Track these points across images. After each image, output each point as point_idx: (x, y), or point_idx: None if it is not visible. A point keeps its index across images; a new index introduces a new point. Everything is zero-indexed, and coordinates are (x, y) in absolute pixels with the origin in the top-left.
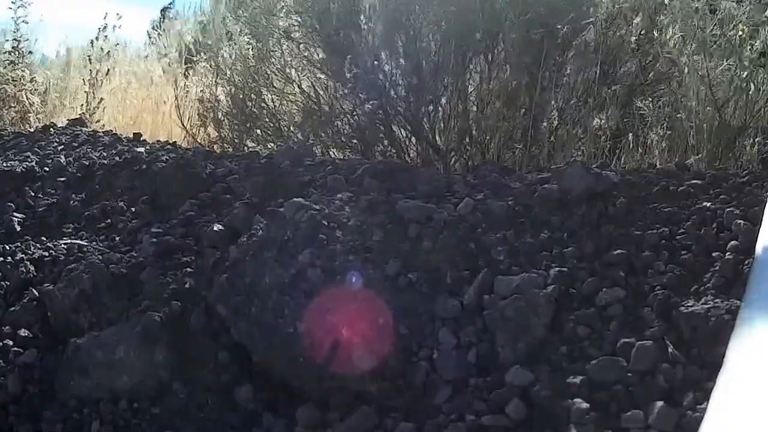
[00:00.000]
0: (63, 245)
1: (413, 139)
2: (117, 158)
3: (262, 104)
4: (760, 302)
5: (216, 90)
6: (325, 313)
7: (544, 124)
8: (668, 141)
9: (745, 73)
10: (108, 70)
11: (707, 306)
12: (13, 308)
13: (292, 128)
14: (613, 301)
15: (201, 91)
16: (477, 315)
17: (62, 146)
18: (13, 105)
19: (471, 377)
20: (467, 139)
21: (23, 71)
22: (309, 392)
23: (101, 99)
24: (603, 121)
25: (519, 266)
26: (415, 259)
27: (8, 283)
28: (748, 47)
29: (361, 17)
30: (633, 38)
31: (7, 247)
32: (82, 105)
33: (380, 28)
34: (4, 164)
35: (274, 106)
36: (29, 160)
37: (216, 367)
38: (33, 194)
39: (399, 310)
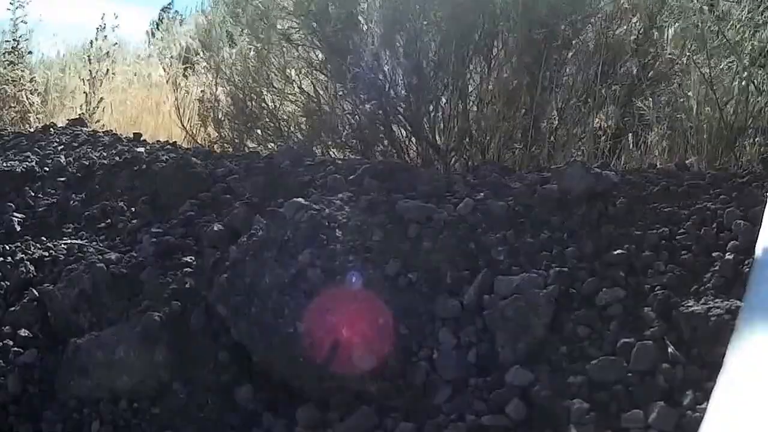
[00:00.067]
0: (63, 245)
1: (413, 139)
2: (117, 158)
3: (262, 104)
4: (760, 302)
5: (216, 90)
6: (325, 313)
7: (544, 124)
8: (668, 141)
9: (745, 73)
10: (107, 70)
11: (707, 306)
12: (13, 308)
13: (292, 128)
14: (613, 301)
15: (201, 91)
16: (477, 315)
17: (62, 146)
18: (13, 105)
19: (471, 377)
20: (467, 139)
21: (23, 71)
22: (309, 392)
23: (101, 99)
24: (603, 120)
25: (519, 266)
26: (415, 259)
27: (8, 283)
28: (749, 47)
29: (360, 18)
30: (632, 38)
31: (7, 247)
32: (81, 105)
33: (380, 29)
34: (4, 164)
35: (274, 106)
36: (29, 160)
37: (216, 367)
38: (33, 194)
39: (399, 310)
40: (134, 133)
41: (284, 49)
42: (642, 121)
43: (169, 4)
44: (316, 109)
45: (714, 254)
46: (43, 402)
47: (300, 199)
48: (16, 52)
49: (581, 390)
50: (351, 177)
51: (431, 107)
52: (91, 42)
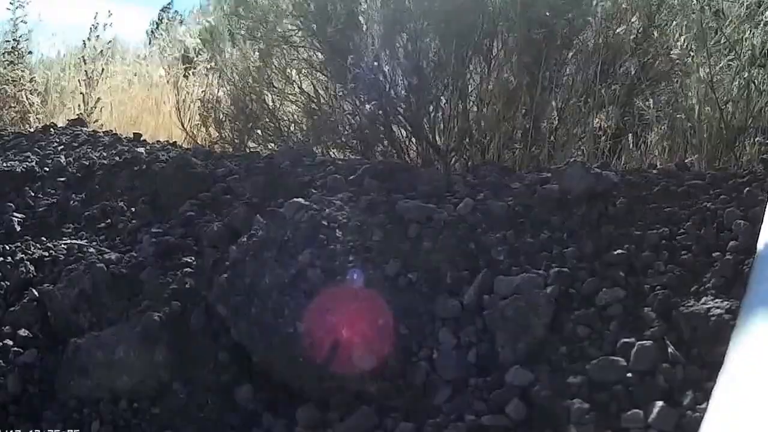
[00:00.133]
0: (63, 245)
1: (413, 139)
2: (117, 158)
3: (263, 104)
4: (760, 302)
5: (218, 91)
6: (325, 313)
7: (544, 124)
8: (668, 141)
9: (745, 72)
10: (102, 69)
11: (707, 306)
12: (13, 308)
13: (292, 128)
14: (613, 301)
15: (203, 91)
16: (477, 315)
17: (62, 146)
18: (13, 105)
19: (471, 377)
20: (467, 139)
21: (23, 71)
22: (309, 392)
23: (98, 99)
24: (603, 121)
25: (519, 266)
26: (415, 259)
27: (8, 283)
28: (749, 47)
29: (361, 18)
30: (632, 37)
31: (7, 247)
32: (79, 105)
33: (380, 29)
34: (4, 164)
35: (275, 106)
36: (29, 160)
37: (216, 367)
38: (33, 194)
39: (399, 310)
40: (134, 133)
41: (285, 50)
42: (642, 121)
43: (169, 3)
44: (317, 110)
45: (714, 254)
46: (43, 402)
47: (300, 199)
48: (16, 52)
49: (581, 390)
50: (351, 177)
51: (431, 107)
52: (84, 42)
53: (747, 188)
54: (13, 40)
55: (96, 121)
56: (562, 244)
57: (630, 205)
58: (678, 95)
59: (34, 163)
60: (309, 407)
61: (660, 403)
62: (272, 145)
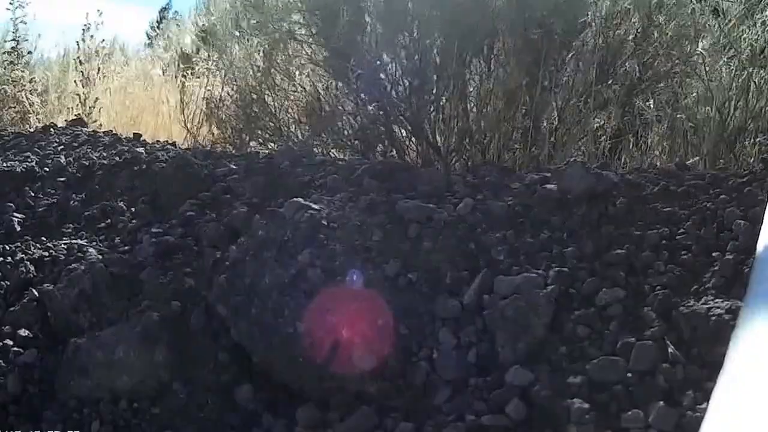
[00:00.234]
0: (63, 245)
1: (413, 139)
2: (117, 158)
3: (264, 104)
4: (760, 302)
5: (220, 90)
6: (325, 313)
7: (544, 124)
8: (668, 141)
9: (745, 72)
10: (99, 68)
11: (707, 306)
12: (13, 308)
13: (292, 128)
14: (613, 301)
15: (207, 90)
16: (477, 315)
17: (62, 146)
18: (12, 105)
19: (471, 377)
20: (467, 139)
21: (23, 71)
22: (309, 392)
23: (96, 99)
24: (603, 120)
25: (519, 266)
26: (415, 259)
27: (8, 283)
28: (748, 46)
29: (366, 17)
30: (631, 37)
31: (7, 247)
32: (77, 105)
33: (383, 30)
34: (4, 164)
35: (276, 105)
36: (29, 160)
37: (216, 367)
38: (33, 194)
39: (399, 310)
40: (134, 134)
41: (290, 45)
42: (642, 121)
43: (168, 3)
44: (318, 109)
45: (714, 254)
46: (43, 402)
47: (300, 199)
48: (16, 52)
49: (581, 390)
50: (351, 177)
51: (432, 108)
52: (78, 43)
53: (747, 188)
54: (13, 40)
55: (95, 121)
56: (562, 244)
57: (630, 205)
58: (678, 95)
59: (34, 163)
60: (309, 407)
61: (660, 403)
62: (272, 145)
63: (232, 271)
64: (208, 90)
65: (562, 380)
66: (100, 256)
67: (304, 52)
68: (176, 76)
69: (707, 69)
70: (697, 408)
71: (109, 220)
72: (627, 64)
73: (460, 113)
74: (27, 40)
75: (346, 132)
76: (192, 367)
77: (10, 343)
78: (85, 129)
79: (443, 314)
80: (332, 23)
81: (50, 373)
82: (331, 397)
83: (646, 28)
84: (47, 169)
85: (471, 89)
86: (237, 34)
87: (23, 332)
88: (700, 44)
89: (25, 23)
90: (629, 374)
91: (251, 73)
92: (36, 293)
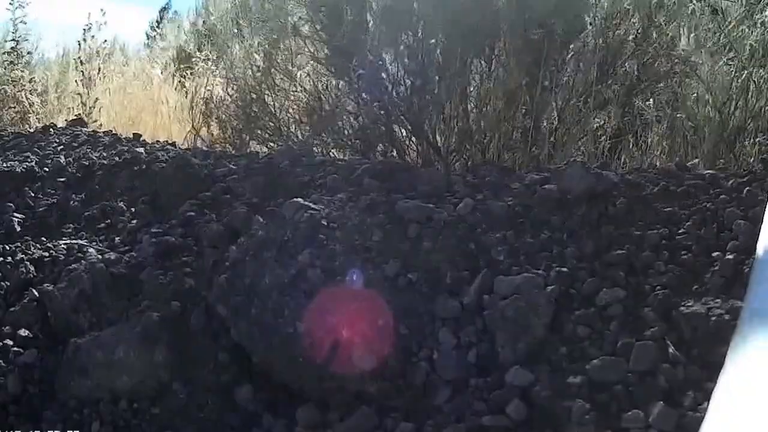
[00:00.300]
0: (63, 245)
1: (413, 139)
2: (117, 158)
3: (265, 104)
4: (760, 302)
5: (220, 90)
6: (324, 314)
7: (544, 124)
8: (668, 141)
9: (745, 72)
10: (99, 68)
11: (707, 306)
12: (13, 308)
13: (293, 128)
14: (613, 301)
15: (208, 90)
16: (477, 315)
17: (62, 146)
18: (12, 105)
19: (471, 377)
20: (467, 139)
21: (22, 71)
22: (309, 392)
23: (96, 99)
24: (603, 120)
25: (519, 266)
26: (415, 259)
27: (8, 283)
28: (748, 46)
29: (369, 16)
30: (631, 37)
31: (7, 247)
32: (78, 105)
33: (385, 30)
34: (4, 164)
35: (276, 105)
36: (29, 160)
37: (216, 368)
38: (33, 194)
39: (399, 310)
40: (134, 134)
41: (291, 43)
42: (642, 121)
43: (168, 3)
44: (318, 109)
45: (714, 254)
46: (43, 402)
47: (299, 199)
48: (16, 52)
49: (581, 390)
50: (351, 177)
51: (434, 108)
52: (79, 43)
53: (747, 188)
54: (13, 40)
55: (95, 121)
56: (562, 244)
57: (630, 205)
58: (678, 95)
59: (34, 164)
60: (309, 407)
61: (660, 404)
62: (272, 144)
63: (232, 271)
64: (208, 90)
65: (562, 380)
66: (100, 256)
67: (306, 49)
68: (174, 75)
69: (707, 69)
70: (697, 408)
71: (109, 220)
72: (627, 64)
73: (460, 113)
74: (27, 40)
75: (346, 132)
76: (192, 368)
77: (10, 343)
78: (85, 129)
79: (443, 314)
80: (336, 21)
81: (50, 373)
82: (331, 397)
83: (646, 29)
84: (47, 169)
85: (471, 89)
86: (236, 31)
87: (23, 332)
88: (694, 42)
89: (25, 23)
90: (629, 374)
91: (251, 72)
92: (36, 293)
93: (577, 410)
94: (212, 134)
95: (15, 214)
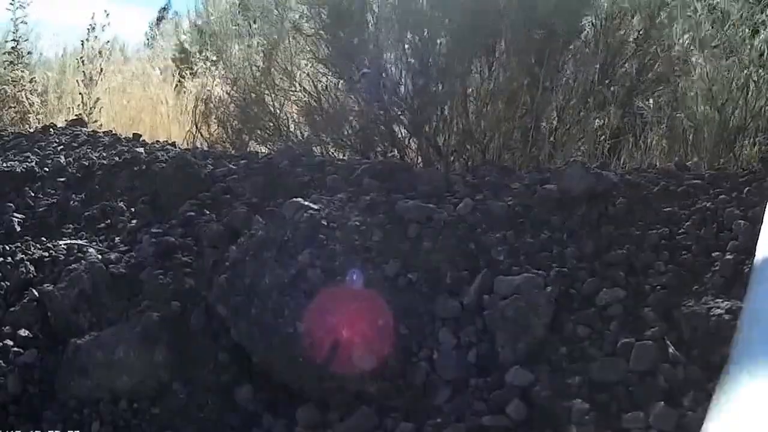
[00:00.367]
0: (63, 245)
1: (413, 139)
2: (117, 158)
3: (264, 104)
4: (760, 302)
5: (221, 90)
6: (324, 314)
7: (544, 124)
8: (668, 141)
9: (745, 72)
10: (101, 69)
11: (707, 306)
12: (13, 308)
13: (292, 128)
14: (613, 301)
15: (208, 90)
16: (477, 315)
17: (62, 146)
18: (12, 105)
19: (471, 377)
20: (467, 139)
21: (23, 71)
22: (309, 392)
23: (97, 99)
24: (603, 120)
25: (519, 266)
26: (415, 259)
27: (8, 283)
28: (748, 47)
29: (369, 16)
30: (632, 38)
31: (7, 247)
32: (78, 105)
33: (388, 30)
34: (4, 164)
35: (276, 105)
36: (29, 160)
37: (216, 368)
38: (33, 194)
39: (399, 310)
40: (134, 134)
41: (292, 42)
42: (642, 121)
43: (167, 3)
44: (318, 109)
45: (714, 254)
46: (43, 402)
47: (299, 199)
48: (16, 53)
49: (581, 390)
50: (350, 177)
51: (436, 108)
52: (83, 42)
53: (747, 188)
54: (13, 40)
55: (95, 121)
56: (562, 244)
57: (630, 205)
58: (678, 95)
59: (34, 164)
60: (309, 407)
61: (660, 404)
62: (272, 144)
63: (232, 271)
64: (208, 90)
65: (562, 380)
66: (100, 256)
67: (307, 48)
68: (174, 75)
69: (708, 69)
70: (697, 408)
71: (109, 220)
72: (627, 64)
73: (460, 113)
74: (27, 40)
75: (346, 132)
76: (192, 368)
77: (10, 343)
78: (85, 129)
79: (443, 314)
80: (338, 20)
81: (50, 373)
82: (331, 397)
83: (647, 30)
84: (47, 170)
85: (471, 89)
86: (235, 28)
87: (23, 332)
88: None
89: (26, 23)
90: (629, 374)
91: (251, 72)
92: (36, 293)
93: (577, 410)
94: (212, 134)
95: (15, 214)
